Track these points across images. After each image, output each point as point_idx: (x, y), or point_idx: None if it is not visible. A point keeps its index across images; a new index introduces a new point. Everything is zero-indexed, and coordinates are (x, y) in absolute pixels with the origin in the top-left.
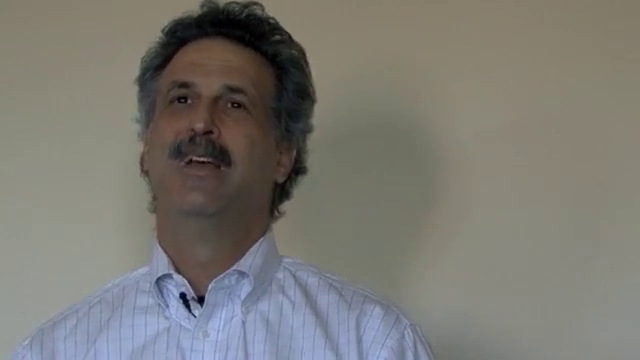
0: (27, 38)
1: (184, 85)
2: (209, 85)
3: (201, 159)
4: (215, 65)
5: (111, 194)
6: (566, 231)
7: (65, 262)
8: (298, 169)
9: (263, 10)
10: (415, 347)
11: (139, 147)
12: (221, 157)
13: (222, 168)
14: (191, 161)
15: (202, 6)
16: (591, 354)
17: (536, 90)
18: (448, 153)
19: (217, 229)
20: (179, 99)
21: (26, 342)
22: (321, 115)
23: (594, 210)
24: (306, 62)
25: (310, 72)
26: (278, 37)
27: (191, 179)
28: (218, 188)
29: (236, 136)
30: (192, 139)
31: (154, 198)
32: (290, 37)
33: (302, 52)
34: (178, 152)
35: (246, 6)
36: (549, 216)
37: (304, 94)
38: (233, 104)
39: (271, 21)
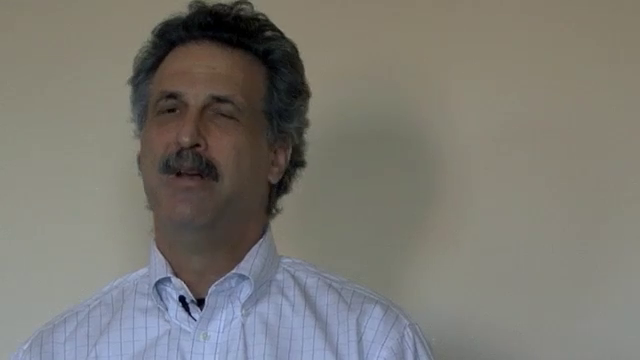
0: (21, 39)
1: (172, 96)
2: (195, 95)
3: (189, 173)
4: (201, 73)
5: (111, 194)
6: (566, 231)
7: (64, 263)
8: (296, 163)
9: (252, 8)
10: (415, 347)
11: (136, 146)
12: (207, 171)
13: (209, 181)
14: (180, 173)
15: (190, 6)
16: (591, 354)
17: (537, 91)
18: (448, 153)
19: (209, 240)
20: (168, 109)
21: (26, 346)
22: (322, 115)
23: (594, 210)
24: (298, 58)
25: (303, 67)
26: (269, 33)
27: (179, 191)
28: (205, 200)
29: (223, 148)
30: (179, 153)
31: None
32: (281, 33)
33: (294, 48)
34: (167, 167)
35: (234, 6)
36: (549, 216)
37: (296, 93)
38: (221, 112)
39: (261, 17)
